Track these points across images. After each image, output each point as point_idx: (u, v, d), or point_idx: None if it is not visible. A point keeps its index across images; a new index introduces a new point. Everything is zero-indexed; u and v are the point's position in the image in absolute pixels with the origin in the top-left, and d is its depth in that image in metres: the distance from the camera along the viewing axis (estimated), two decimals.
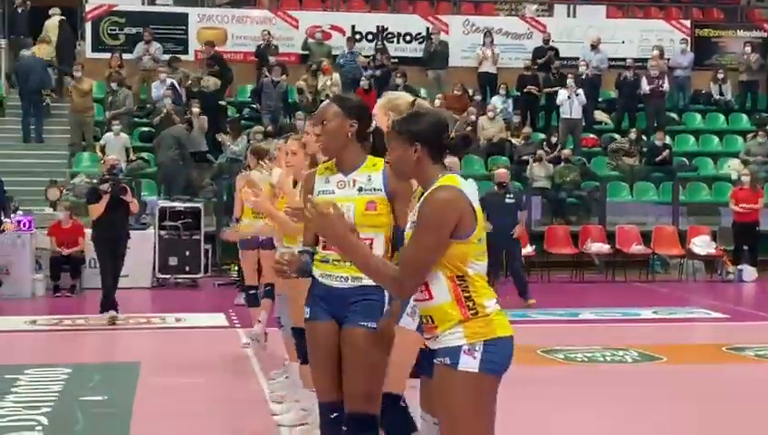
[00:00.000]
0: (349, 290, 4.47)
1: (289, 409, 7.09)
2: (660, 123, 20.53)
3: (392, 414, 4.58)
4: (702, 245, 17.22)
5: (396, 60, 20.97)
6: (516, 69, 20.96)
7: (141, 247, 14.40)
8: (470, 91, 20.50)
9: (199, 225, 15.89)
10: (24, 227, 14.56)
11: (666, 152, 19.58)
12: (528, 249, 16.04)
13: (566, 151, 18.91)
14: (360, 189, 4.50)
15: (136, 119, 19.68)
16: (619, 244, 17.21)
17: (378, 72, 20.21)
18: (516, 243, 13.99)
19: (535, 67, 20.93)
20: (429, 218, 3.65)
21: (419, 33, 21.59)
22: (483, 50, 21.01)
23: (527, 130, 19.78)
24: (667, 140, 20.01)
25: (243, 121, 19.27)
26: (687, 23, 22.70)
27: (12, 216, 14.74)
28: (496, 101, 20.25)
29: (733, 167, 19.55)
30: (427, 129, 3.78)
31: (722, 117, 21.68)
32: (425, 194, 3.75)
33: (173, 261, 15.59)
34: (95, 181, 12.63)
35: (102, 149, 17.61)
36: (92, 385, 8.55)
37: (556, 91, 20.10)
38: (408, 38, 21.64)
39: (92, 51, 20.64)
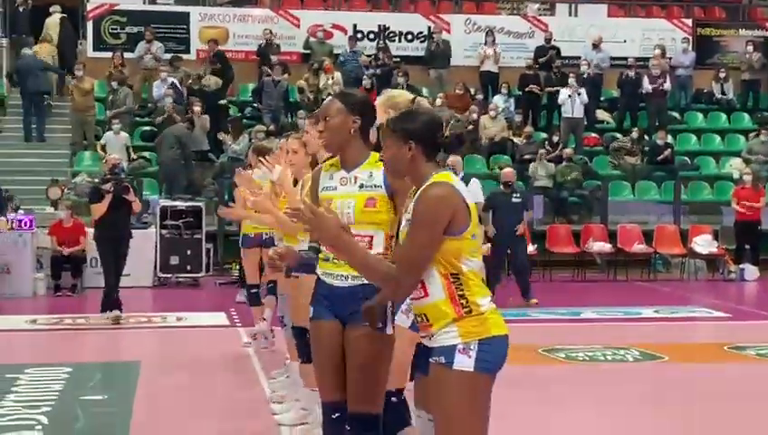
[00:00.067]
0: (350, 289, 4.45)
1: (289, 408, 7.09)
2: (662, 122, 20.52)
3: (387, 411, 4.57)
4: (704, 244, 17.21)
5: (397, 59, 20.96)
6: (518, 68, 20.95)
7: (143, 246, 14.37)
8: (472, 91, 20.49)
9: (201, 224, 15.88)
10: (25, 226, 14.55)
11: (667, 151, 19.55)
12: (530, 248, 16.00)
13: (568, 150, 18.89)
14: (361, 186, 4.48)
15: (137, 118, 19.69)
16: (620, 243, 17.20)
17: (379, 72, 20.20)
18: (521, 242, 13.96)
19: (537, 66, 20.92)
20: (423, 215, 3.68)
21: (421, 32, 21.58)
22: (484, 49, 21.01)
23: (529, 129, 19.76)
24: (669, 139, 19.99)
25: (244, 121, 19.26)
26: (689, 22, 22.67)
27: (10, 214, 14.71)
28: (498, 101, 20.24)
29: (734, 166, 19.52)
30: (421, 127, 3.81)
31: (724, 116, 21.65)
32: (418, 191, 3.76)
33: (174, 260, 15.58)
34: (97, 181, 12.62)
35: (103, 148, 17.62)
36: (93, 384, 8.56)
37: (558, 91, 20.09)
38: (409, 37, 21.63)
39: (94, 50, 20.65)
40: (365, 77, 19.70)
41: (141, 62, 20.12)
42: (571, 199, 18.52)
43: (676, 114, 21.43)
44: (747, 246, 17.25)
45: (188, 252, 15.62)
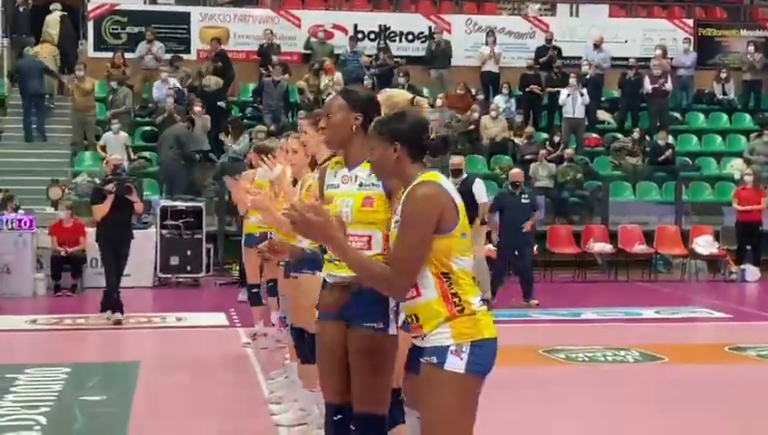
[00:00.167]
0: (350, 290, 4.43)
1: (287, 409, 7.07)
2: (663, 123, 20.50)
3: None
4: (705, 244, 17.19)
5: (398, 59, 20.95)
6: (519, 68, 20.94)
7: (143, 247, 14.35)
8: (473, 91, 20.47)
9: (201, 224, 15.87)
10: (26, 226, 14.54)
11: (668, 152, 19.53)
12: None
13: (569, 151, 18.87)
14: (361, 185, 4.45)
15: (138, 118, 19.68)
16: (621, 243, 17.18)
17: (380, 72, 20.19)
18: (528, 242, 13.92)
19: (538, 66, 20.91)
20: (412, 216, 3.71)
21: (422, 33, 21.57)
22: (485, 49, 20.99)
23: (530, 129, 19.75)
24: (670, 139, 19.98)
25: (245, 121, 19.25)
26: (690, 22, 22.66)
27: (10, 214, 14.69)
28: (499, 101, 20.22)
29: (736, 166, 19.51)
30: (406, 129, 3.86)
31: (725, 116, 21.64)
32: (406, 191, 3.79)
33: (174, 260, 15.57)
34: (98, 182, 12.60)
35: (103, 148, 17.61)
36: (92, 385, 8.54)
37: (558, 91, 20.07)
38: (410, 37, 21.62)
39: (94, 50, 20.64)
40: (366, 77, 19.68)
41: (142, 62, 20.11)
42: (572, 200, 18.50)
43: (677, 115, 21.42)
44: (748, 247, 17.23)
45: (188, 252, 15.60)
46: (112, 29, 20.74)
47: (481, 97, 20.57)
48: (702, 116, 21.67)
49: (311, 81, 19.78)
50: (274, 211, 6.20)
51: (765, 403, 8.01)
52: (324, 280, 4.56)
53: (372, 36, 21.48)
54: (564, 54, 21.35)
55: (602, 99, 21.30)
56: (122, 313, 11.70)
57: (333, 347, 4.47)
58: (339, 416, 4.48)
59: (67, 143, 19.08)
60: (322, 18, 21.45)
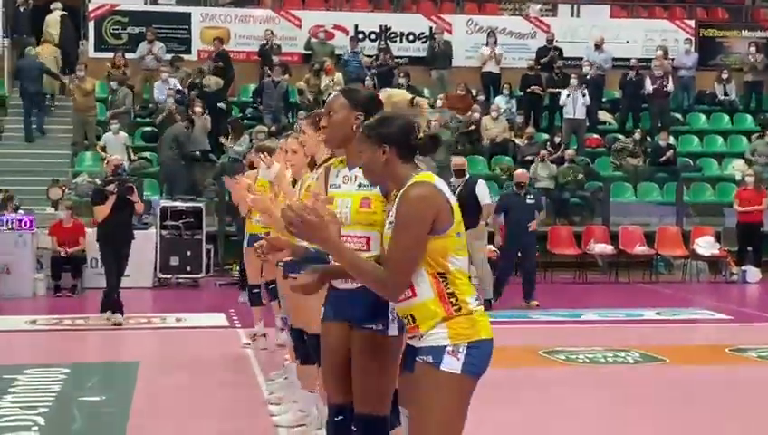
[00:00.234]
0: (351, 291, 4.41)
1: (287, 409, 7.06)
2: (664, 123, 20.49)
3: None
4: (706, 245, 17.17)
5: (399, 59, 20.94)
6: (520, 69, 20.92)
7: (143, 247, 14.31)
8: (473, 91, 20.46)
9: (201, 224, 15.85)
10: (26, 226, 14.52)
11: (670, 153, 19.51)
12: None
13: (569, 151, 18.85)
14: (360, 185, 4.44)
15: (138, 118, 19.68)
16: (622, 244, 17.16)
17: (381, 72, 20.17)
18: (532, 242, 13.91)
19: (539, 67, 20.88)
20: (406, 217, 3.70)
21: (422, 33, 21.56)
22: (486, 50, 20.97)
23: (530, 130, 19.73)
24: (671, 140, 19.96)
25: (245, 121, 19.24)
26: (692, 23, 22.65)
27: (10, 214, 14.68)
28: (500, 101, 20.21)
29: (737, 167, 19.50)
30: (394, 131, 3.86)
31: (726, 117, 21.63)
32: (400, 192, 3.78)
33: (174, 261, 15.55)
34: (99, 182, 12.58)
35: (103, 148, 17.61)
36: (91, 385, 8.52)
37: (559, 92, 20.05)
38: (411, 38, 21.61)
39: (95, 50, 20.65)
40: (366, 78, 19.67)
41: (142, 62, 20.11)
42: (573, 201, 18.48)
43: (678, 115, 21.40)
44: (749, 248, 17.22)
45: (188, 253, 15.59)
46: (113, 29, 20.74)
47: (482, 98, 20.56)
48: (703, 117, 21.65)
49: (311, 81, 19.77)
50: (274, 212, 6.18)
51: (766, 405, 7.99)
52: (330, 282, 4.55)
53: (373, 37, 21.48)
54: (565, 55, 21.35)
55: (603, 99, 21.29)
56: (122, 313, 11.67)
57: (337, 348, 4.46)
58: (340, 417, 4.47)
59: (67, 143, 19.08)
60: (323, 18, 21.45)
